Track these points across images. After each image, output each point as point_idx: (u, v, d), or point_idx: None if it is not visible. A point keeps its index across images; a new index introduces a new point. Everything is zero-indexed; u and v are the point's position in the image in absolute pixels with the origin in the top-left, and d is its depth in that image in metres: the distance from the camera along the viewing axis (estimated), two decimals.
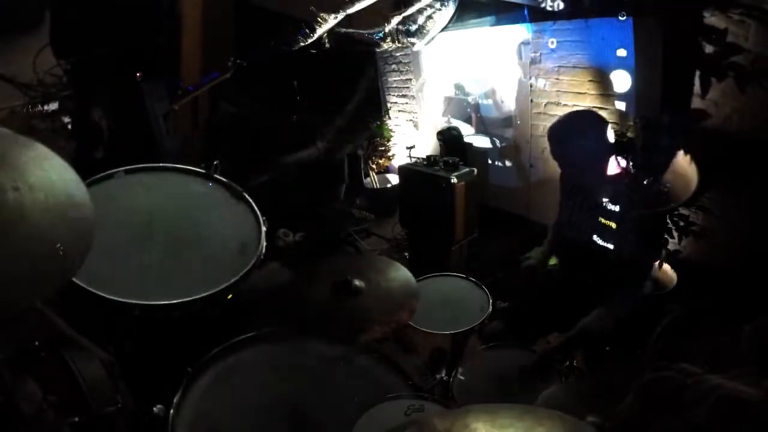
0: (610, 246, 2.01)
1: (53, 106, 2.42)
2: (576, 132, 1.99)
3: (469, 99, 4.01)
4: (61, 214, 0.93)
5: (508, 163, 3.85)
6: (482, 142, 4.01)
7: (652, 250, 1.98)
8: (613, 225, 2.01)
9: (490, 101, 3.82)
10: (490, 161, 3.98)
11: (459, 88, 4.09)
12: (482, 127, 3.98)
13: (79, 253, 0.93)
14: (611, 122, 2.95)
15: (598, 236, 2.06)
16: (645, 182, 2.10)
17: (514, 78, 3.54)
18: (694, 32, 2.33)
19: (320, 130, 4.13)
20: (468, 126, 4.13)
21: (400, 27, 3.53)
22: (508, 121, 3.71)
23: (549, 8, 2.77)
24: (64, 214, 0.93)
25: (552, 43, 3.17)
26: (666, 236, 2.60)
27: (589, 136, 1.94)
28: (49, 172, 0.96)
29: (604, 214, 2.04)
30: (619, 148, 2.22)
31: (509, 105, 3.66)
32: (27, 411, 1.05)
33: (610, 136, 1.97)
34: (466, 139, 4.11)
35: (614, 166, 1.99)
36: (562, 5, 2.74)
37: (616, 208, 2.01)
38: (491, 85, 3.76)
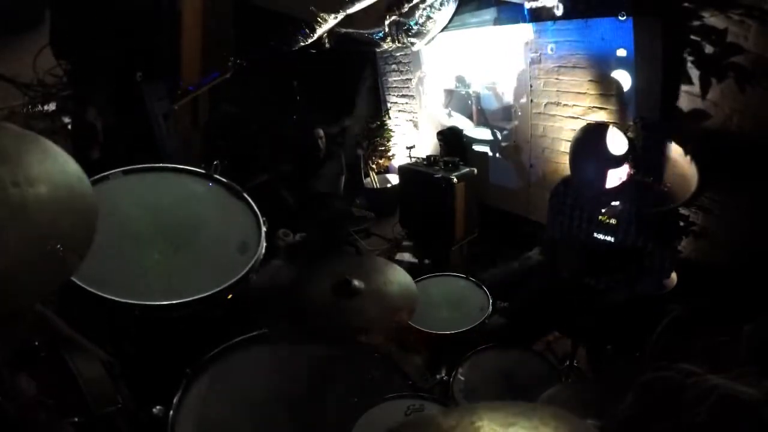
0: (611, 240, 2.00)
1: (53, 106, 2.42)
2: (591, 148, 1.92)
3: (470, 91, 4.01)
4: (63, 207, 0.92)
5: (508, 162, 3.85)
6: (483, 134, 4.01)
7: (660, 242, 1.96)
8: (613, 222, 2.01)
9: (490, 92, 3.83)
10: (490, 154, 3.98)
11: (460, 80, 4.10)
12: (483, 119, 3.99)
13: (81, 247, 0.92)
14: (612, 122, 2.95)
15: (598, 233, 2.06)
16: (645, 182, 2.09)
17: (513, 77, 3.54)
18: (694, 32, 2.33)
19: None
20: (469, 121, 4.14)
21: (401, 26, 3.53)
22: (508, 112, 3.71)
23: (548, 15, 2.77)
24: (67, 206, 0.93)
25: (552, 45, 3.17)
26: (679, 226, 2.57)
27: (602, 150, 1.88)
28: (50, 165, 0.95)
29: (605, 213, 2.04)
30: None
31: (509, 97, 3.66)
32: (21, 408, 1.05)
33: (620, 145, 1.92)
34: (467, 132, 4.11)
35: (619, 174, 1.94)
36: (561, 10, 2.74)
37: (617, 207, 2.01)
38: (492, 79, 3.76)
